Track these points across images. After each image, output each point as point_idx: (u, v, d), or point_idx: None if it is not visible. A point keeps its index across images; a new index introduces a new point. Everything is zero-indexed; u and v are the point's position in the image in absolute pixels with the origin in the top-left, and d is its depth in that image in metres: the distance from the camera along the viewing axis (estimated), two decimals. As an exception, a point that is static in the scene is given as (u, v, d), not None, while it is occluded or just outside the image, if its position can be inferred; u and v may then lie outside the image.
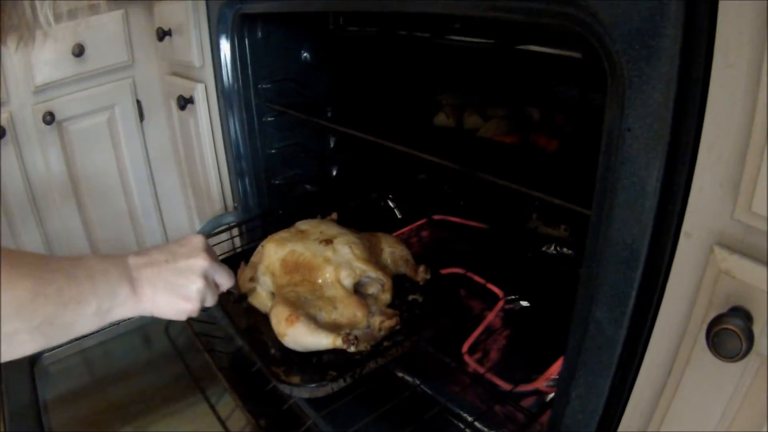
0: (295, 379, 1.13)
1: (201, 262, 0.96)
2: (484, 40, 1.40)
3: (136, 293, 0.87)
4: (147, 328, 1.83)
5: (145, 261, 0.90)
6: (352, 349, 1.12)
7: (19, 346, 0.72)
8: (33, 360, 1.67)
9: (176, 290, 0.92)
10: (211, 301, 1.00)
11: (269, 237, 1.37)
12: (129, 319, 0.95)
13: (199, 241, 1.00)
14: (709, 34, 0.60)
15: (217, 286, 1.03)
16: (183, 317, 0.95)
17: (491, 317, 1.50)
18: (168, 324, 1.78)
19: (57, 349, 1.72)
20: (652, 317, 0.74)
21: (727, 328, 0.59)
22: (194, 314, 0.97)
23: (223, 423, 1.35)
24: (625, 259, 0.74)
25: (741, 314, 0.60)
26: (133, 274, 0.88)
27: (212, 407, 1.39)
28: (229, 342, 1.48)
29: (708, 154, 0.63)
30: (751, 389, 0.62)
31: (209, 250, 1.00)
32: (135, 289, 0.87)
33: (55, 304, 0.73)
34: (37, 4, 0.77)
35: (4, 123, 1.84)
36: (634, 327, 0.77)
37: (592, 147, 0.79)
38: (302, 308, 1.18)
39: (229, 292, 1.14)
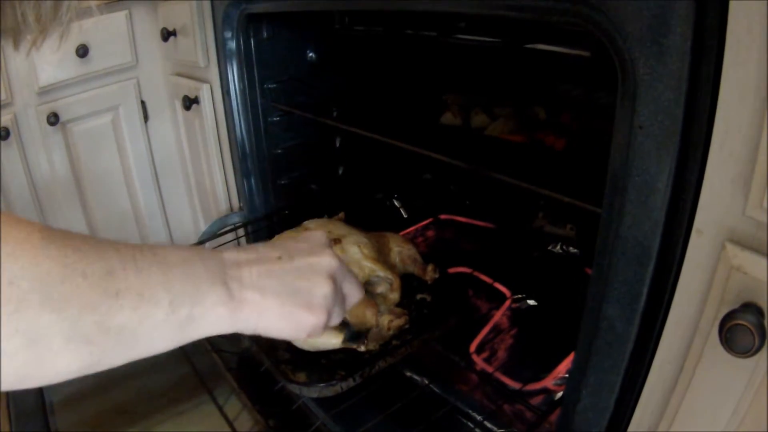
0: (304, 379, 1.13)
1: (328, 261, 0.71)
2: (491, 39, 1.40)
3: (233, 298, 0.61)
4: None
5: (249, 257, 0.66)
6: (362, 348, 1.12)
7: (50, 353, 0.48)
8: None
9: (295, 296, 0.66)
10: (336, 318, 0.74)
11: (276, 237, 1.37)
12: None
13: (321, 236, 0.76)
14: (720, 32, 0.60)
15: (344, 298, 0.77)
16: (303, 335, 0.68)
17: (498, 316, 1.50)
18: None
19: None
20: (663, 314, 0.74)
21: (739, 324, 0.59)
22: (318, 331, 0.70)
23: (230, 424, 1.34)
24: (636, 256, 0.74)
25: (753, 310, 0.60)
26: (230, 272, 0.62)
27: (220, 408, 1.39)
28: (236, 342, 1.49)
29: (719, 151, 0.63)
30: (762, 384, 0.62)
31: (341, 268, 0.75)
32: (232, 293, 0.61)
33: (101, 293, 0.50)
34: (26, 4, 0.61)
35: (7, 124, 1.84)
36: (646, 324, 0.77)
37: (601, 145, 0.80)
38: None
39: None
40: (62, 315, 0.48)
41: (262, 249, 0.68)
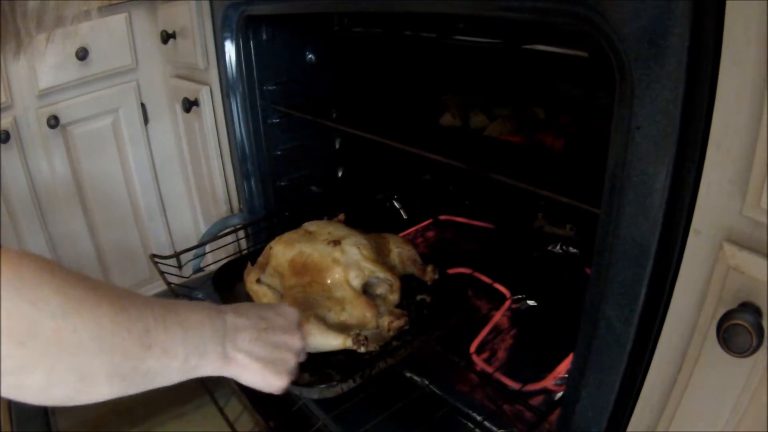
0: (305, 380, 1.13)
1: (298, 342, 0.94)
2: (489, 40, 1.40)
3: (227, 357, 0.81)
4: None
5: (245, 323, 0.86)
6: (362, 349, 1.12)
7: (94, 386, 0.63)
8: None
9: (272, 365, 0.88)
10: (276, 388, 0.93)
11: (277, 238, 1.38)
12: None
13: (295, 315, 0.98)
14: (717, 32, 0.60)
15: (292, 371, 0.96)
16: (272, 390, 0.90)
17: (498, 317, 1.50)
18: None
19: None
20: (662, 314, 0.74)
21: (737, 324, 0.60)
22: (280, 392, 0.92)
23: (231, 425, 1.34)
24: (634, 256, 0.74)
25: (751, 310, 0.61)
26: (229, 335, 0.83)
27: (220, 409, 1.39)
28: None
29: (717, 151, 0.63)
30: (761, 383, 0.63)
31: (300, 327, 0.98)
32: (227, 352, 0.81)
33: (140, 345, 0.67)
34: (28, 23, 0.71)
35: (8, 127, 1.84)
36: (644, 324, 0.77)
37: (599, 145, 0.80)
38: (311, 309, 1.18)
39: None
40: (109, 359, 0.63)
41: (252, 316, 0.89)
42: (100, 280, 0.67)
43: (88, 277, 0.65)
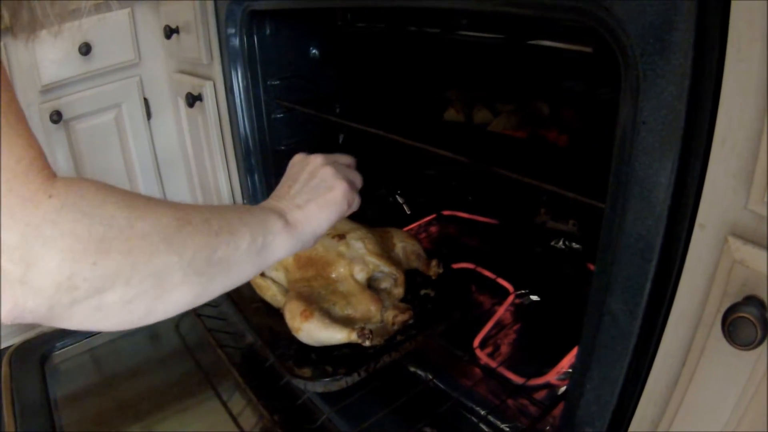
0: (309, 374, 1.13)
1: (328, 171, 0.89)
2: (493, 35, 1.40)
3: (289, 223, 0.80)
4: (156, 325, 1.83)
5: (277, 194, 0.87)
6: (367, 343, 1.13)
7: (173, 289, 0.63)
8: (43, 358, 1.68)
9: (317, 190, 0.86)
10: (357, 204, 0.94)
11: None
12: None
13: (317, 159, 0.93)
14: (722, 28, 0.60)
15: (353, 184, 0.94)
16: (345, 206, 0.88)
17: (502, 311, 1.50)
18: (178, 321, 1.78)
19: (68, 347, 1.73)
20: (666, 308, 0.75)
21: (742, 317, 0.60)
22: (350, 197, 0.90)
23: (235, 420, 1.35)
24: (639, 250, 0.74)
25: (755, 303, 0.61)
26: (279, 205, 0.83)
27: (224, 404, 1.40)
28: (240, 338, 1.49)
29: (721, 146, 0.63)
30: (765, 376, 0.63)
31: (329, 160, 0.93)
32: (287, 219, 0.80)
33: (206, 234, 0.66)
34: (44, 4, 0.71)
35: (11, 122, 1.84)
36: (649, 318, 0.77)
37: (603, 141, 0.80)
38: (316, 303, 1.19)
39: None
40: (182, 256, 0.62)
41: (279, 190, 0.89)
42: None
43: (138, 193, 0.64)
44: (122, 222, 0.58)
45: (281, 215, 0.80)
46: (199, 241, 0.65)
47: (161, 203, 0.64)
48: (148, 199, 0.63)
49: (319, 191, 0.87)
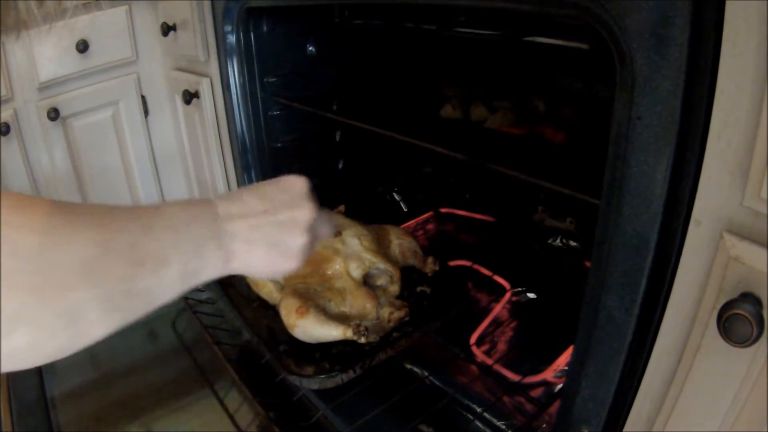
0: (305, 371, 1.13)
1: (307, 214, 0.78)
2: (490, 32, 1.40)
3: (224, 249, 0.69)
4: (153, 323, 1.83)
5: (239, 210, 0.73)
6: (363, 340, 1.12)
7: (87, 325, 0.54)
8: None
9: (276, 248, 0.75)
10: (309, 254, 0.82)
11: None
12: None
13: (302, 186, 0.81)
14: (717, 23, 0.60)
15: (316, 238, 0.85)
16: (279, 277, 0.83)
17: (498, 309, 1.50)
18: (175, 318, 1.78)
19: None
20: (662, 304, 0.75)
21: (737, 314, 0.60)
22: (291, 272, 0.80)
23: (231, 417, 1.35)
24: (635, 246, 0.74)
25: (751, 300, 0.61)
26: (223, 226, 0.70)
27: (220, 401, 1.40)
28: (237, 335, 1.49)
29: (717, 142, 0.63)
30: (761, 373, 0.63)
31: (311, 196, 0.82)
32: (223, 245, 0.69)
33: (130, 264, 0.57)
34: (30, 4, 0.66)
35: (8, 119, 1.83)
36: (645, 314, 0.77)
37: (599, 138, 0.80)
38: (312, 300, 1.19)
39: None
40: (98, 290, 0.53)
41: (249, 200, 0.75)
42: (80, 203, 0.58)
43: (65, 203, 0.55)
44: (31, 250, 0.49)
45: (221, 244, 0.69)
46: (122, 274, 0.56)
47: (83, 224, 0.55)
48: (71, 214, 0.55)
49: (278, 241, 0.76)
